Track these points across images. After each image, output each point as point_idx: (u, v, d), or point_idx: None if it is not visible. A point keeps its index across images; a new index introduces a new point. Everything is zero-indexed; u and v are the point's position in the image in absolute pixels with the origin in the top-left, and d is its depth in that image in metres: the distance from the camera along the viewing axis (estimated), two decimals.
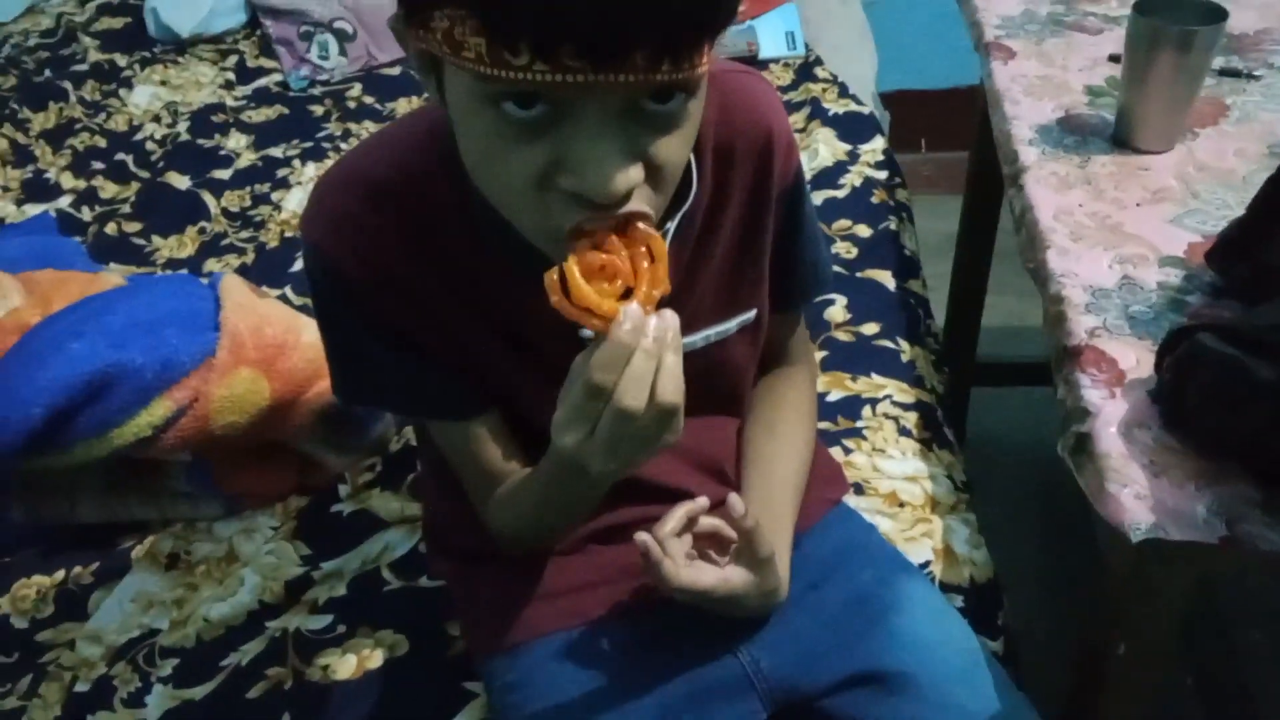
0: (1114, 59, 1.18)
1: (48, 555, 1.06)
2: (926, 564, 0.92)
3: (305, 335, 1.06)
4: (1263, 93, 1.12)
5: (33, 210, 1.58)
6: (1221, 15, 0.98)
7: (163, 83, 1.89)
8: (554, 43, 0.49)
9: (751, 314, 0.79)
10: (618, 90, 0.52)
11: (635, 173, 0.55)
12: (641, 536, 0.70)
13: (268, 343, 1.03)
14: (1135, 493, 0.73)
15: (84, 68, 1.92)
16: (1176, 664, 1.26)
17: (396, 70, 1.86)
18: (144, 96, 1.86)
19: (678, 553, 0.72)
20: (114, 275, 1.21)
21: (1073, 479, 0.78)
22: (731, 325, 0.78)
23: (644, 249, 0.57)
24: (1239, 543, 0.70)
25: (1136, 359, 0.82)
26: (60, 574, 1.04)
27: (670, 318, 0.57)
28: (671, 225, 0.68)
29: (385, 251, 0.67)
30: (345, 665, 0.91)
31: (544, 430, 0.62)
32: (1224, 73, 1.15)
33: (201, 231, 1.51)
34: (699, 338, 0.77)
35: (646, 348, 0.55)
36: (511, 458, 0.77)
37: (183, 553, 1.04)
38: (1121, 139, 1.05)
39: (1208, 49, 0.98)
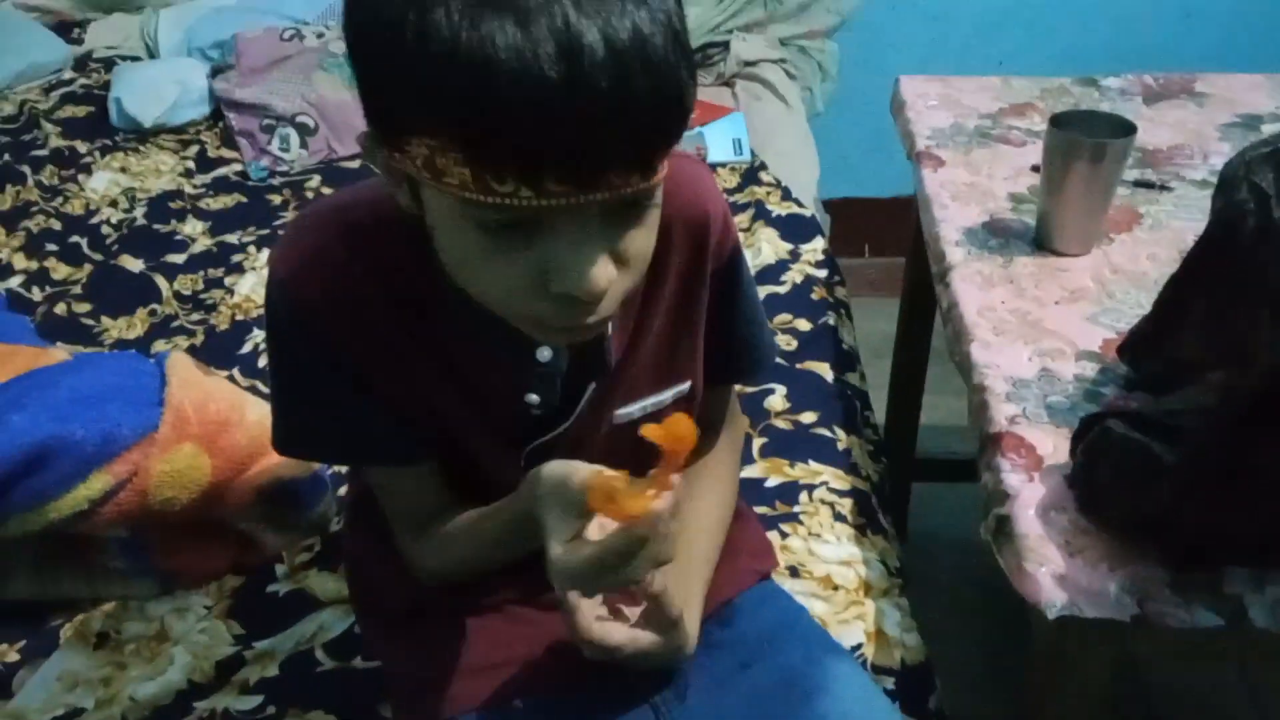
0: (1035, 169, 1.25)
1: None
2: (858, 646, 0.93)
3: (250, 413, 1.06)
4: (1174, 203, 1.20)
5: None
6: (1131, 130, 1.06)
7: (122, 169, 1.91)
8: (539, 173, 0.54)
9: (686, 386, 0.81)
10: (596, 205, 0.57)
11: (611, 270, 0.60)
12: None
13: (211, 419, 1.03)
14: (1051, 572, 0.76)
15: (44, 153, 1.94)
16: None
17: (356, 164, 1.91)
18: (102, 182, 1.88)
19: (589, 608, 0.73)
20: (61, 351, 1.21)
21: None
22: (666, 396, 0.81)
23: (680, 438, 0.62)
24: (1150, 621, 0.73)
25: (1054, 445, 0.86)
26: None
27: (677, 488, 0.62)
28: None
29: (353, 288, 0.69)
30: None
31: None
32: (1139, 184, 1.23)
33: (152, 313, 1.52)
34: (636, 409, 0.79)
35: (663, 533, 0.62)
36: (446, 502, 0.80)
37: (113, 631, 1.02)
38: (1042, 242, 1.12)
39: (1119, 160, 1.06)
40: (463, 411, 0.75)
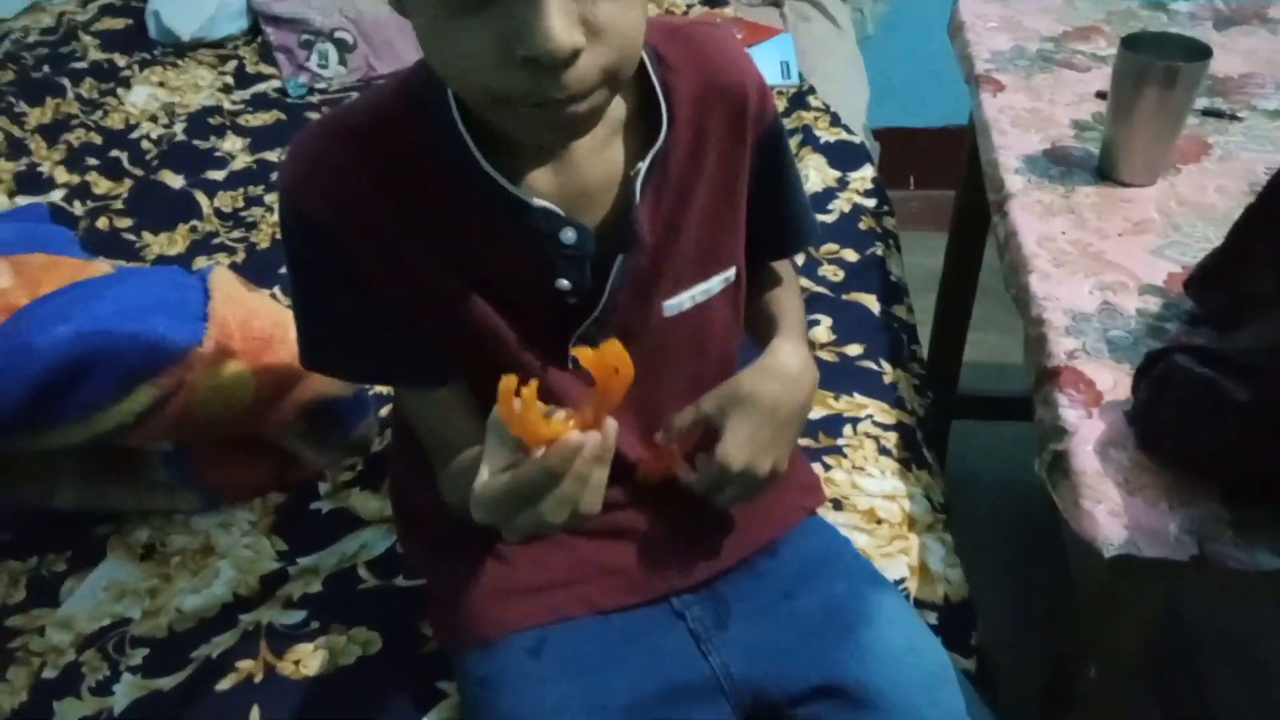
0: (1100, 95, 1.20)
1: (21, 541, 1.05)
2: (901, 581, 0.93)
3: (293, 331, 1.05)
4: (1244, 134, 1.14)
5: (24, 202, 1.58)
6: (1206, 53, 1.01)
7: (161, 84, 1.90)
8: None
9: (731, 272, 0.79)
10: None
11: (576, 32, 0.56)
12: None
13: (255, 335, 1.03)
14: (1109, 510, 0.74)
15: (83, 65, 1.93)
16: (1144, 696, 1.27)
17: None
18: (141, 96, 1.86)
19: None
20: (104, 264, 1.21)
21: (1048, 510, 0.79)
22: (714, 284, 0.78)
23: (614, 369, 0.58)
24: (1209, 561, 0.71)
25: (1114, 381, 0.83)
26: (33, 560, 1.03)
27: (610, 432, 0.58)
28: (643, 165, 0.69)
29: (356, 192, 0.67)
30: (317, 660, 0.91)
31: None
32: (1208, 113, 1.18)
33: (193, 230, 1.52)
34: (685, 298, 0.77)
35: (579, 471, 0.57)
36: (476, 430, 0.75)
37: (158, 544, 1.04)
38: (1105, 172, 1.08)
39: (1191, 86, 1.01)
40: (495, 309, 0.72)
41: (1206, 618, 1.44)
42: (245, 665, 0.91)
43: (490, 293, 0.72)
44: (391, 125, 0.68)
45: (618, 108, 0.70)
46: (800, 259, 1.28)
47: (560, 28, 0.54)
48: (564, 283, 0.71)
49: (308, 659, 0.91)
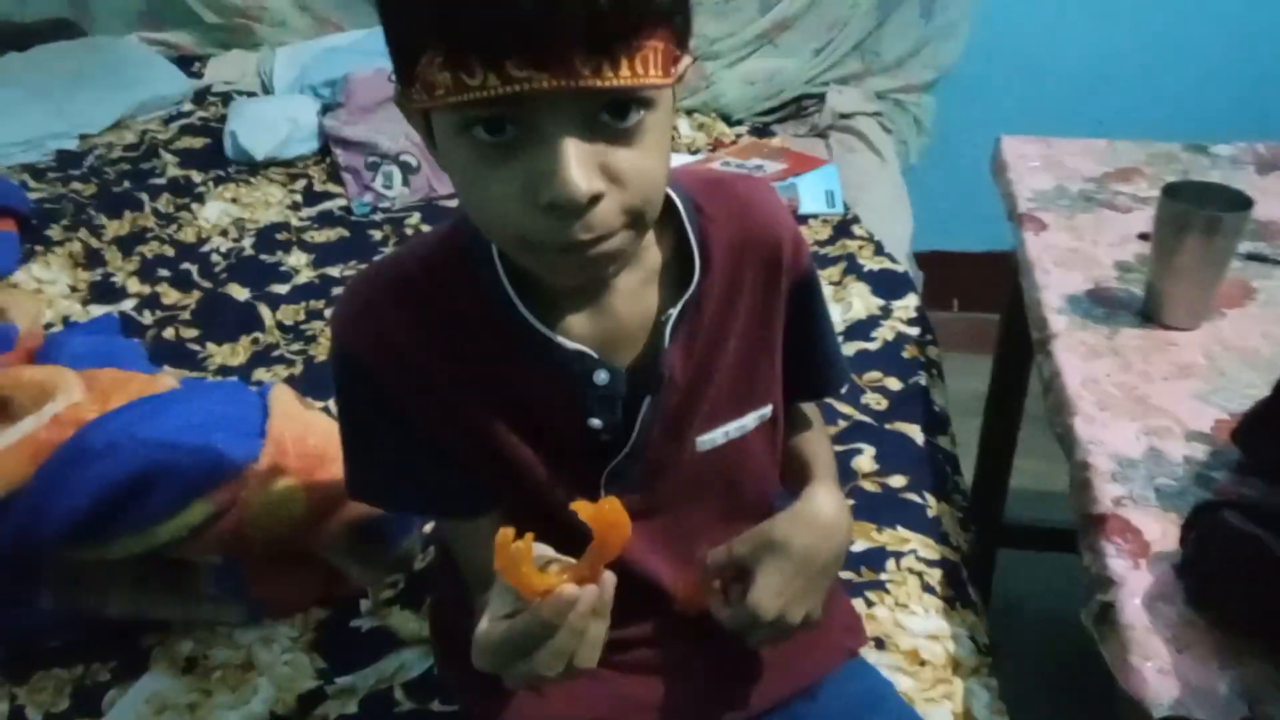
0: (1143, 237, 1.22)
1: (68, 649, 1.07)
2: None
3: None
4: None
5: (97, 311, 1.65)
6: (1248, 203, 1.03)
7: (233, 200, 1.99)
8: (499, 54, 0.54)
9: (768, 409, 0.80)
10: (566, 96, 0.56)
11: (596, 179, 0.58)
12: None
13: (309, 452, 1.06)
14: (1158, 667, 0.73)
15: (161, 181, 2.03)
16: None
17: (454, 203, 1.95)
18: (214, 211, 1.96)
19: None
20: (170, 377, 1.26)
21: (1095, 646, 0.78)
22: (749, 420, 0.79)
23: (612, 524, 0.59)
24: None
25: (1162, 531, 0.83)
26: (79, 669, 1.04)
27: (607, 586, 0.59)
28: (674, 312, 0.72)
29: (400, 335, 0.70)
30: None
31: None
32: (1251, 257, 1.19)
33: (254, 341, 1.57)
34: (719, 434, 0.78)
35: (573, 625, 0.58)
36: None
37: (201, 656, 1.05)
38: (1150, 314, 1.08)
39: (1234, 235, 1.02)
40: (529, 444, 0.74)
41: None
42: None
43: (525, 429, 0.74)
44: (438, 272, 0.72)
45: (653, 255, 0.74)
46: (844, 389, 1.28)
47: (578, 176, 0.57)
48: (596, 421, 0.74)
49: None
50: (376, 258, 1.76)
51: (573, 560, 0.60)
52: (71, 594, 1.07)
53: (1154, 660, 0.73)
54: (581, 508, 0.58)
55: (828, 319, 0.86)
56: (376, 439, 0.75)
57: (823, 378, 0.87)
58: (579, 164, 0.58)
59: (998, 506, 1.65)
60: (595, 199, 0.59)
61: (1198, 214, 1.02)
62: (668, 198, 0.72)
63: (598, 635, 0.59)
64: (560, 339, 0.70)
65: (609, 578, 0.59)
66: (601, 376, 0.72)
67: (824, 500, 0.79)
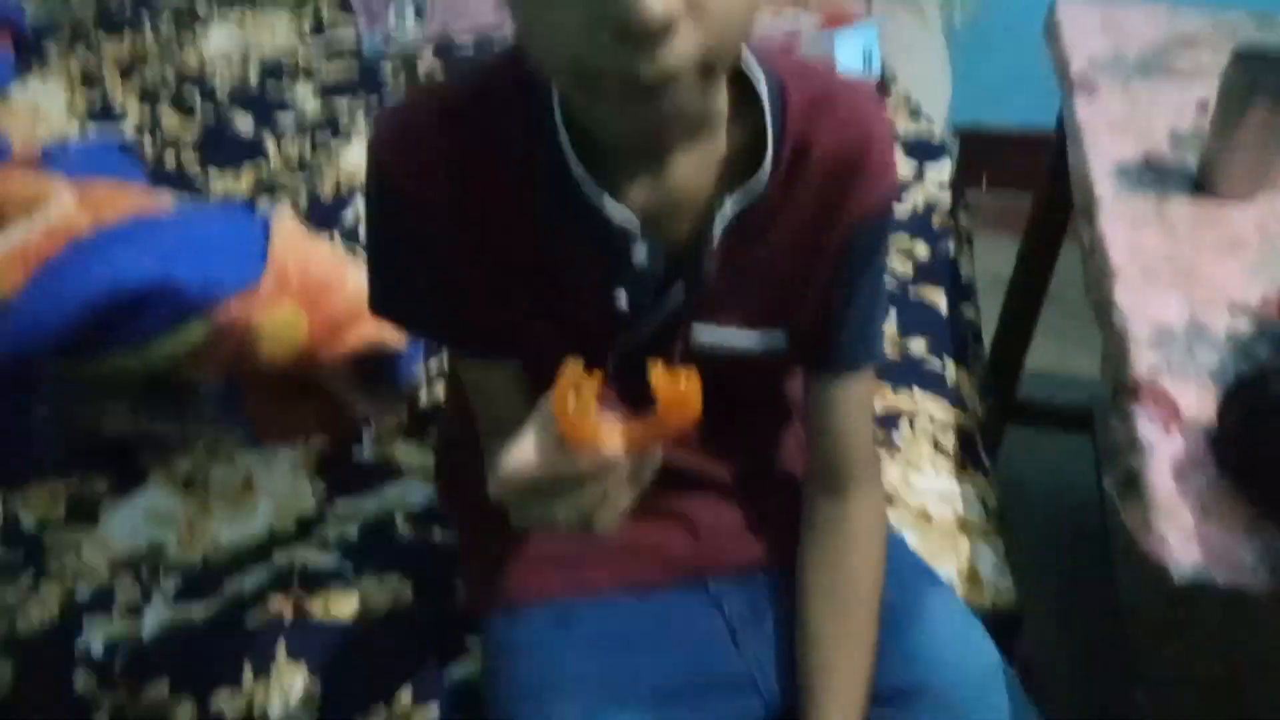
0: (1202, 107, 1.15)
1: (66, 461, 1.05)
2: (948, 584, 0.89)
3: (349, 279, 1.05)
4: None
5: (95, 129, 1.60)
6: None
7: (239, 26, 1.90)
8: None
9: (779, 338, 0.74)
10: None
11: (673, 1, 0.50)
12: None
13: (312, 280, 1.02)
14: (1182, 534, 0.71)
15: (163, 5, 1.94)
16: None
17: (469, 40, 1.86)
18: (218, 38, 1.87)
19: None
20: (169, 196, 1.21)
21: (1097, 528, 0.76)
22: (754, 340, 0.73)
23: (683, 399, 0.53)
24: None
25: (1197, 402, 0.80)
26: (76, 480, 1.04)
27: (651, 464, 0.55)
28: (730, 200, 0.65)
29: (440, 169, 0.65)
30: (347, 605, 0.90)
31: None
32: None
33: (258, 172, 1.52)
34: (719, 337, 0.72)
35: (606, 487, 0.54)
36: (525, 412, 0.72)
37: (200, 475, 1.04)
38: (1203, 185, 1.03)
39: None
40: (551, 309, 0.71)
41: (1264, 657, 1.39)
42: (276, 603, 0.90)
43: (550, 289, 0.70)
44: (489, 104, 0.66)
45: (721, 138, 0.66)
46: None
47: None
48: (622, 297, 0.68)
49: (339, 603, 0.90)
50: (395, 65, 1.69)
51: (627, 421, 0.54)
52: (69, 409, 1.05)
53: (1178, 527, 0.71)
54: (657, 372, 0.52)
55: (877, 283, 0.75)
56: (404, 264, 0.71)
57: (841, 346, 0.75)
58: None
59: (1012, 384, 1.63)
60: (668, 26, 0.51)
61: (1268, 78, 0.95)
62: (749, 82, 0.65)
63: (623, 504, 0.56)
64: (607, 201, 0.64)
65: (656, 455, 0.55)
66: (640, 252, 0.66)
67: None
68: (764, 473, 0.86)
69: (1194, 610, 0.75)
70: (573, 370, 0.52)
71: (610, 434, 0.52)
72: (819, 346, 0.75)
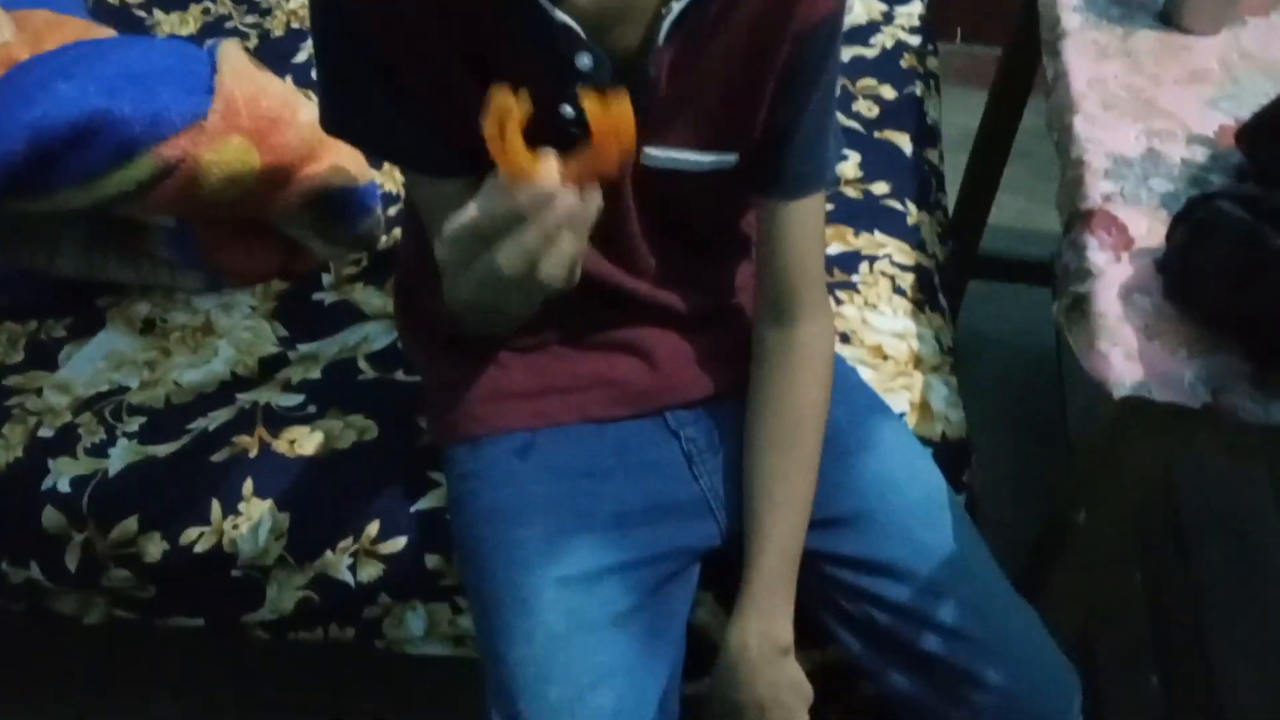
0: None
1: (21, 304, 1.04)
2: (900, 416, 0.92)
3: (302, 113, 1.02)
4: None
5: None
6: None
7: None
8: None
9: (731, 158, 0.73)
10: None
11: None
12: None
13: (262, 114, 0.99)
14: (1124, 353, 0.72)
15: None
16: (1131, 562, 1.29)
17: None
18: None
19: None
20: (109, 30, 1.16)
21: (1053, 377, 0.77)
22: (705, 160, 0.72)
23: (616, 131, 0.51)
24: (1222, 412, 0.70)
25: (1148, 228, 0.80)
26: (33, 324, 1.03)
27: (592, 203, 0.53)
28: (676, 5, 0.64)
29: None
30: (312, 442, 0.91)
31: None
32: None
33: (205, 11, 1.45)
34: (666, 155, 0.72)
35: (545, 224, 0.52)
36: None
37: (159, 319, 1.03)
38: (1169, 17, 1.01)
39: None
40: None
41: (1201, 498, 1.44)
42: (241, 440, 0.91)
43: None
44: None
45: None
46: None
47: None
48: (568, 108, 0.67)
49: (304, 440, 0.91)
50: None
51: (561, 156, 0.52)
52: (19, 249, 1.03)
53: (1121, 346, 0.72)
54: (590, 100, 0.50)
55: (831, 97, 0.74)
56: (355, 83, 0.69)
57: (791, 166, 0.74)
58: None
59: (975, 237, 1.63)
60: None
61: None
62: None
63: (566, 250, 0.54)
64: (551, 7, 0.62)
65: (595, 196, 0.54)
66: (584, 60, 0.65)
67: (740, 645, 0.75)
68: (720, 305, 0.86)
69: (1141, 432, 0.78)
70: (501, 97, 0.50)
71: (546, 165, 0.51)
72: (768, 167, 0.74)
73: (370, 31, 0.65)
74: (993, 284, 1.72)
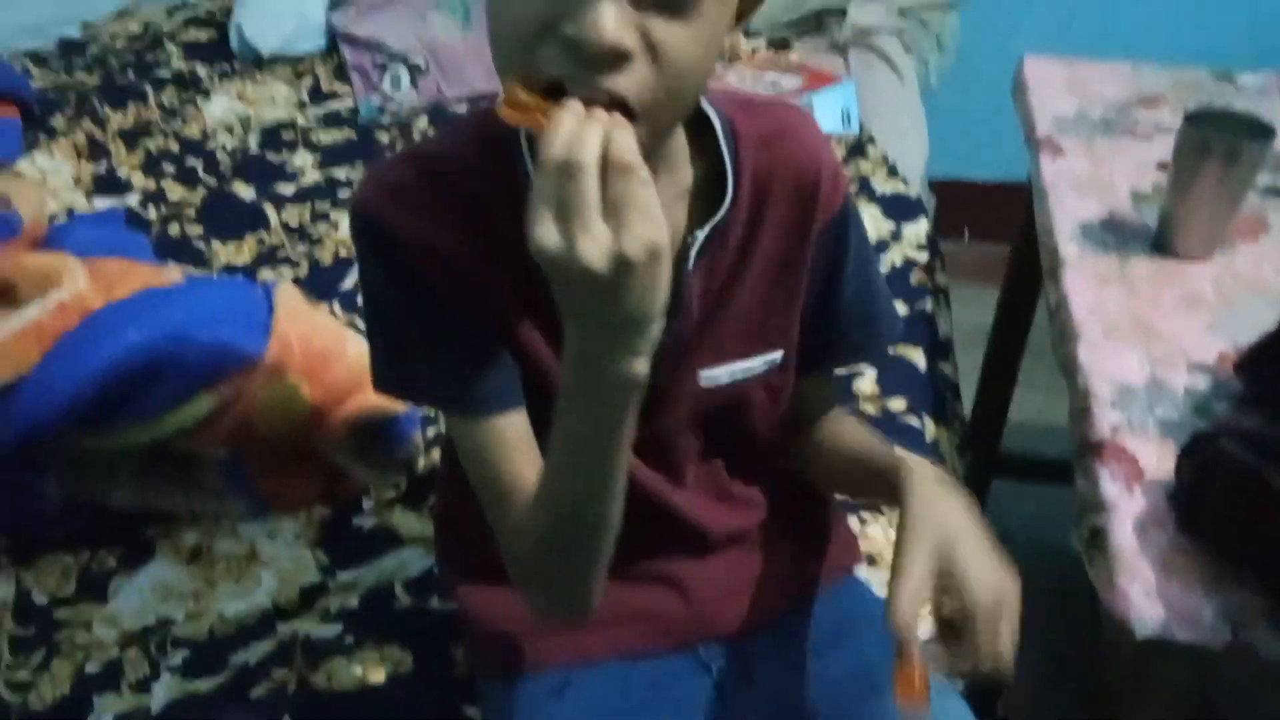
0: (1162, 166, 1.20)
1: (75, 536, 1.09)
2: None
3: (350, 348, 1.09)
4: None
5: (101, 204, 1.64)
6: (1270, 133, 1.01)
7: (239, 96, 1.96)
8: None
9: (778, 355, 0.78)
10: None
11: (630, 35, 0.54)
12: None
13: (315, 352, 1.06)
14: (1144, 590, 0.74)
15: (166, 74, 2.00)
16: None
17: (464, 107, 1.92)
18: (220, 107, 1.93)
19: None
20: (175, 271, 1.26)
21: (1085, 578, 0.79)
22: (756, 364, 0.77)
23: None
24: (1243, 650, 0.71)
25: (1158, 459, 0.83)
26: (85, 555, 1.07)
27: (626, 138, 0.54)
28: (701, 234, 0.69)
29: (436, 223, 0.68)
30: (349, 676, 0.93)
31: None
32: (1270, 191, 1.17)
33: (260, 242, 1.56)
34: (722, 371, 0.76)
35: (585, 159, 0.52)
36: (531, 475, 0.71)
37: (205, 547, 1.07)
38: (1162, 244, 1.07)
39: (1254, 165, 1.01)
40: (547, 347, 0.72)
41: (1244, 700, 1.40)
42: (279, 674, 0.93)
43: (547, 336, 0.72)
44: (468, 158, 0.69)
45: (685, 172, 0.71)
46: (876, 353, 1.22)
47: (610, 18, 0.54)
48: None
49: (340, 673, 0.93)
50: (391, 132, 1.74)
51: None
52: (77, 483, 1.09)
53: (1140, 583, 0.74)
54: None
55: (867, 268, 0.80)
56: (402, 324, 0.71)
57: (846, 338, 0.80)
58: (615, 12, 0.54)
59: (995, 437, 1.66)
60: (621, 57, 0.55)
61: (1218, 140, 1.00)
62: (705, 115, 0.70)
63: (639, 196, 0.53)
64: None
65: (628, 134, 0.54)
66: None
67: (926, 465, 0.78)
68: (751, 530, 0.88)
69: (1169, 664, 0.78)
70: (509, 86, 0.57)
71: (566, 103, 0.55)
72: (819, 350, 0.80)
73: (419, 262, 0.68)
74: (1017, 482, 1.74)
